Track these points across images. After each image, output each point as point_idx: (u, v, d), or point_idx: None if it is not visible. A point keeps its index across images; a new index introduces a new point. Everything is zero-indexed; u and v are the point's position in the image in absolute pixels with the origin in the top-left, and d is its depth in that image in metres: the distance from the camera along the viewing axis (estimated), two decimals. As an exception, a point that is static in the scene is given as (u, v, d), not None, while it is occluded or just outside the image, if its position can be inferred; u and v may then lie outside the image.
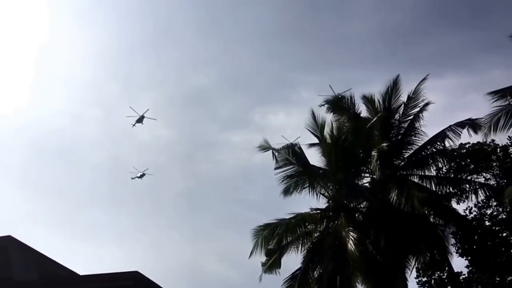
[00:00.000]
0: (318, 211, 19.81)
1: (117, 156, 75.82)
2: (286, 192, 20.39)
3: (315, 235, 19.81)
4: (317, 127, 20.61)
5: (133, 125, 63.41)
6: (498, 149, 21.64)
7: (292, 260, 19.83)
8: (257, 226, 19.61)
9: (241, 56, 78.70)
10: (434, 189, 21.30)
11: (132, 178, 64.95)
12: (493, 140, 21.24)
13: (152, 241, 55.29)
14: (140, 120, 62.86)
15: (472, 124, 20.36)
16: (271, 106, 75.83)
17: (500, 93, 16.80)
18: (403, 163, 22.09)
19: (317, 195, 20.22)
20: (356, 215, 20.10)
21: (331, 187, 20.13)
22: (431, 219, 20.72)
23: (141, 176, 64.63)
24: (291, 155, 20.10)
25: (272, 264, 19.63)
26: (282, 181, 20.37)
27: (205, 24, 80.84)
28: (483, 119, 18.54)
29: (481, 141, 21.30)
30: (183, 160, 73.71)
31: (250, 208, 56.74)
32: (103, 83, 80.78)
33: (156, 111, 79.58)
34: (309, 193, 20.32)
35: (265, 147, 20.52)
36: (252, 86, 77.24)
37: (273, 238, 19.28)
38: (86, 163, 73.28)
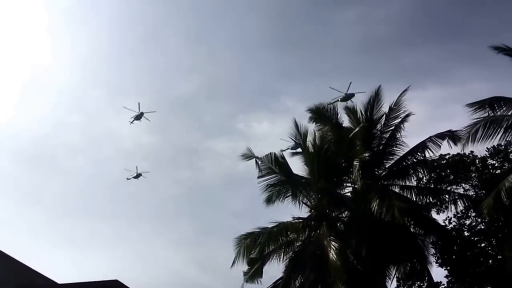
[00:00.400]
0: (300, 220, 19.87)
1: (100, 163, 74.99)
2: (269, 200, 20.41)
3: (297, 244, 19.86)
4: (300, 136, 20.78)
5: (131, 122, 61.90)
6: (477, 160, 22.09)
7: (274, 269, 19.87)
8: (240, 235, 19.60)
9: (226, 64, 79.22)
10: (414, 199, 21.61)
11: (127, 179, 63.89)
12: (472, 152, 21.73)
13: (134, 249, 54.68)
14: (139, 117, 61.33)
15: (452, 136, 20.73)
16: (255, 114, 76.33)
17: (479, 105, 17.15)
18: (384, 173, 22.36)
19: (299, 204, 20.34)
20: (338, 225, 20.22)
21: (313, 196, 20.23)
22: (412, 229, 20.98)
23: (137, 177, 63.51)
24: (274, 164, 20.16)
25: (254, 273, 19.58)
26: (265, 189, 20.39)
27: (192, 32, 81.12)
28: (462, 131, 18.87)
29: (460, 152, 21.74)
30: (166, 167, 73.13)
31: (234, 216, 56.67)
32: (87, 89, 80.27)
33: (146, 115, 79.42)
34: (292, 202, 20.43)
35: (248, 156, 20.56)
36: (236, 94, 77.88)
37: (255, 247, 19.25)
38: (68, 169, 72.41)
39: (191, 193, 67.01)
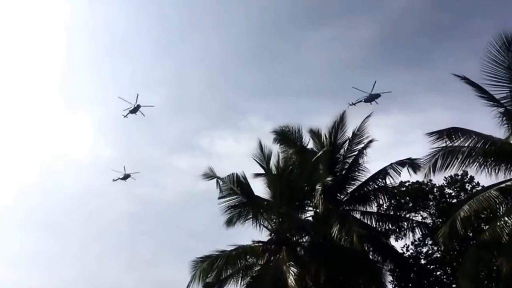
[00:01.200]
0: (260, 244, 19.48)
1: (52, 178, 70.74)
2: (229, 222, 19.97)
3: (256, 268, 19.41)
4: (264, 158, 20.51)
5: (125, 116, 55.38)
6: (435, 189, 22.54)
7: (231, 295, 19.23)
8: (197, 257, 18.93)
9: (194, 79, 78.26)
10: (374, 226, 21.74)
11: (113, 180, 59.70)
12: (430, 180, 22.10)
13: (86, 268, 51.15)
14: (134, 110, 54.51)
15: (412, 164, 21.09)
16: (219, 131, 75.21)
17: (438, 135, 17.46)
18: (346, 198, 22.42)
19: (260, 227, 19.97)
20: (298, 250, 19.95)
21: (274, 220, 19.93)
22: (370, 256, 20.99)
23: (125, 178, 59.42)
24: (236, 184, 19.77)
25: (210, 299, 18.90)
26: (226, 211, 19.96)
27: (161, 44, 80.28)
28: (422, 159, 19.17)
29: (420, 180, 22.15)
30: (124, 183, 70.04)
31: (192, 236, 54.34)
32: (48, 98, 77.46)
33: (100, 129, 77.17)
34: (252, 224, 20.03)
35: (209, 175, 20.09)
36: (202, 110, 76.71)
37: (212, 271, 18.65)
38: (17, 184, 68.51)
39: (149, 210, 63.99)
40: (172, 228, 58.81)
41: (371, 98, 47.41)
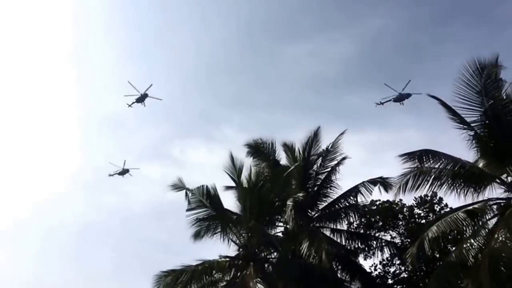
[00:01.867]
0: (227, 259, 19.00)
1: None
2: (197, 235, 19.44)
3: (222, 284, 18.88)
4: (235, 171, 20.14)
5: (130, 105, 51.32)
6: (405, 209, 22.65)
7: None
8: (161, 271, 18.26)
9: (168, 85, 76.23)
10: (344, 243, 21.63)
11: (110, 175, 56.36)
12: (401, 200, 22.22)
13: (42, 281, 47.88)
14: (141, 99, 50.27)
15: (383, 183, 21.20)
16: (192, 140, 73.07)
17: (409, 156, 17.59)
18: (317, 214, 22.29)
19: (228, 242, 19.53)
20: (266, 266, 19.56)
21: (243, 235, 19.52)
22: (339, 274, 20.81)
23: (123, 173, 55.97)
24: (205, 197, 19.32)
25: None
26: (194, 223, 19.44)
27: (134, 48, 78.87)
28: (394, 179, 19.26)
29: (390, 199, 22.24)
30: (87, 191, 67.26)
31: (157, 248, 52.14)
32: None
33: (67, 133, 74.99)
34: (221, 238, 19.58)
35: (178, 186, 19.59)
36: (174, 117, 74.58)
37: (176, 286, 18.03)
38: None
39: (112, 220, 61.18)
40: (136, 239, 56.47)
41: (401, 97, 44.51)
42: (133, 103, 51.58)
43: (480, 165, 16.89)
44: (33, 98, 76.22)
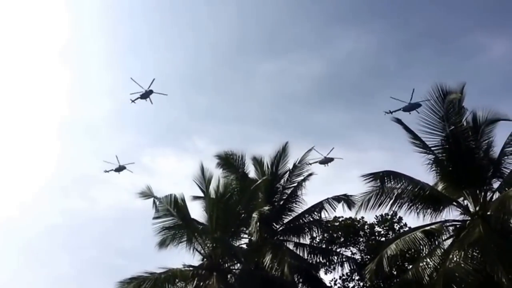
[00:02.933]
0: (191, 268, 18.98)
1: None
2: (162, 244, 19.38)
3: (184, 293, 18.83)
4: (204, 181, 20.24)
5: (133, 101, 50.06)
6: (366, 226, 23.38)
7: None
8: (123, 278, 18.04)
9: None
10: (306, 257, 22.04)
11: (105, 171, 54.66)
12: (362, 217, 22.95)
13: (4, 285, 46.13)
14: (145, 95, 48.94)
15: (347, 200, 21.83)
16: (163, 149, 73.43)
17: (372, 177, 18.32)
18: (281, 228, 22.65)
19: (193, 251, 19.53)
20: (229, 277, 19.66)
21: (208, 245, 19.58)
22: (300, 287, 21.13)
23: (119, 170, 54.26)
24: (173, 206, 19.31)
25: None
26: (160, 232, 19.37)
27: (111, 54, 78.10)
28: (357, 196, 19.88)
29: (353, 216, 22.88)
30: (54, 195, 65.54)
31: (122, 255, 51.39)
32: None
33: (38, 139, 72.74)
34: (186, 248, 19.57)
35: (146, 194, 19.53)
36: (146, 125, 74.29)
37: (138, 294, 17.84)
38: None
39: (77, 225, 59.73)
40: (100, 245, 55.27)
41: (411, 107, 44.16)
42: (137, 99, 50.78)
43: (439, 187, 17.78)
44: (18, 97, 73.74)
